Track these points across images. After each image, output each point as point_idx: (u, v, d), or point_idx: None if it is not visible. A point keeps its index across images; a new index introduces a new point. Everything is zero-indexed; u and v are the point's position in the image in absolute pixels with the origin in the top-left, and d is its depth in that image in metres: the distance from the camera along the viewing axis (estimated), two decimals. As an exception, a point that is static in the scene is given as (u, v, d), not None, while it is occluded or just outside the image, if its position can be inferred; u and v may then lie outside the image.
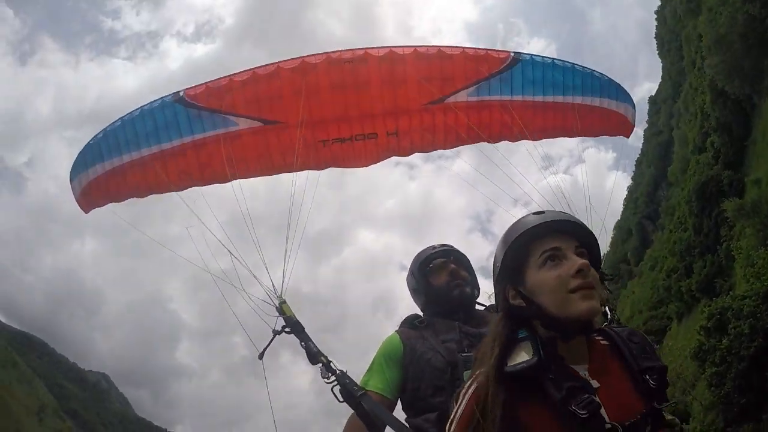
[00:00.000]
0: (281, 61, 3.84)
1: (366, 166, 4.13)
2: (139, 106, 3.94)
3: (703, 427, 25.13)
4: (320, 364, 2.53)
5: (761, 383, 21.69)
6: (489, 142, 4.01)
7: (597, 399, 1.24)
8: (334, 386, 2.41)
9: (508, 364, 1.31)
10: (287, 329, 2.73)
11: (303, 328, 2.71)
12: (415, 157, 4.18)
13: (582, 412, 1.20)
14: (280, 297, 2.90)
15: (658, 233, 66.27)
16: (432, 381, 2.25)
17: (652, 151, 78.48)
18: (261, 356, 2.73)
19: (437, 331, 2.44)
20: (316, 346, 2.62)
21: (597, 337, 1.42)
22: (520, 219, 1.45)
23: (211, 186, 4.07)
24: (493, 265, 1.47)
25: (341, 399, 2.36)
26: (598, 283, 1.35)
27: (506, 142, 4.15)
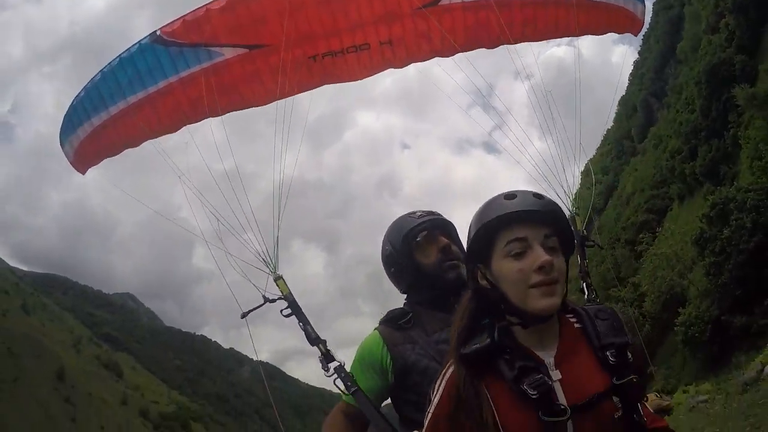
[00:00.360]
0: (258, -20, 3.59)
1: (361, 79, 3.94)
2: (117, 55, 3.78)
3: (698, 313, 26.27)
4: (320, 354, 2.32)
5: (758, 278, 22.53)
6: (487, 47, 3.77)
7: (550, 380, 1.29)
8: (336, 380, 2.18)
9: (465, 347, 1.38)
10: (285, 311, 2.47)
11: (300, 308, 2.46)
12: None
13: (532, 392, 1.25)
14: (275, 272, 2.62)
15: (663, 111, 65.29)
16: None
17: (661, 26, 75.11)
18: (244, 316, 2.52)
19: (427, 329, 2.10)
20: (314, 331, 2.39)
21: (571, 319, 1.45)
22: (491, 201, 1.43)
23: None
24: (466, 241, 1.47)
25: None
26: (563, 274, 1.37)
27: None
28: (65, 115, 4.06)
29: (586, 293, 2.39)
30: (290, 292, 2.49)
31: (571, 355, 1.36)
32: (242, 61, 3.74)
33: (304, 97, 3.89)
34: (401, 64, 3.84)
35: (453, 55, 3.78)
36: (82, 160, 4.19)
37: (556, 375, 1.32)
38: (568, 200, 3.16)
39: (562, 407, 1.26)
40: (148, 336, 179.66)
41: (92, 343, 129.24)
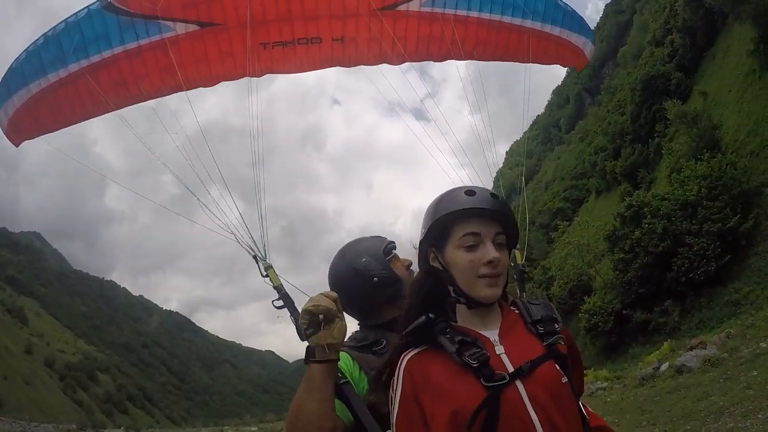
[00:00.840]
0: (218, -43, 3.47)
1: (306, 72, 3.89)
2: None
3: (602, 303, 28.46)
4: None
5: (660, 280, 24.62)
6: (435, 60, 3.84)
7: (495, 348, 1.46)
8: None
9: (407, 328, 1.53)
10: (277, 303, 2.27)
11: (293, 302, 2.27)
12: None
13: (473, 362, 1.40)
14: (265, 261, 2.51)
15: (594, 108, 68.55)
16: None
17: (608, 28, 78.14)
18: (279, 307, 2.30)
19: None
20: None
21: (512, 308, 1.63)
22: (452, 193, 1.57)
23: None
24: (422, 225, 1.61)
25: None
26: (505, 269, 1.55)
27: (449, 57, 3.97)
28: (2, 79, 3.75)
29: (520, 294, 2.59)
30: (281, 284, 2.34)
31: (511, 332, 1.53)
32: (192, 38, 3.62)
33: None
34: (349, 63, 3.86)
35: (400, 63, 3.83)
36: (16, 131, 3.90)
37: (500, 349, 1.47)
38: (491, 176, 3.29)
39: (503, 374, 1.39)
40: (54, 279, 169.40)
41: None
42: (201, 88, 3.80)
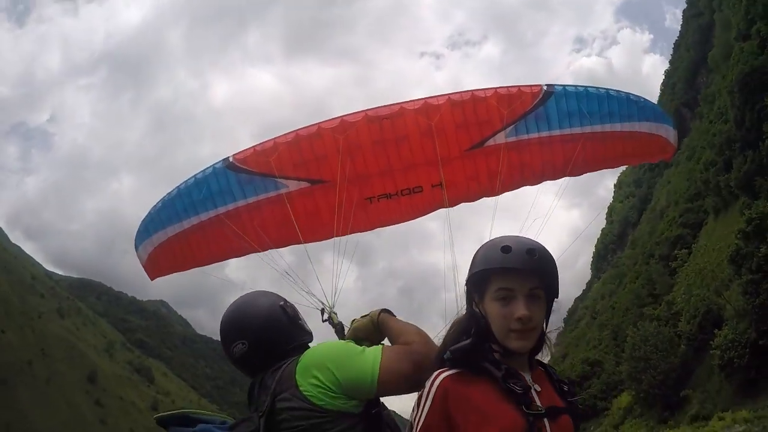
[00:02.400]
0: (322, 122, 3.97)
1: (413, 220, 4.19)
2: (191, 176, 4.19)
3: (735, 335, 25.17)
4: None
5: None
6: (531, 184, 3.99)
7: (528, 383, 1.57)
8: None
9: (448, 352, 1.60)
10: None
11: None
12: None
13: (518, 389, 1.51)
14: (332, 308, 3.14)
15: (696, 122, 63.68)
16: None
17: (691, 34, 73.49)
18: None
19: None
20: None
21: (537, 364, 1.75)
22: (492, 248, 1.64)
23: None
24: (468, 271, 1.70)
25: None
26: (538, 323, 1.62)
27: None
28: (142, 222, 4.49)
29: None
30: (341, 322, 2.92)
31: (541, 380, 1.66)
32: (303, 194, 4.06)
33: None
34: (451, 204, 4.10)
35: (500, 194, 4.00)
36: (153, 267, 4.58)
37: (535, 387, 1.60)
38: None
39: (539, 406, 1.53)
40: (180, 343, 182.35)
41: (125, 348, 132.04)
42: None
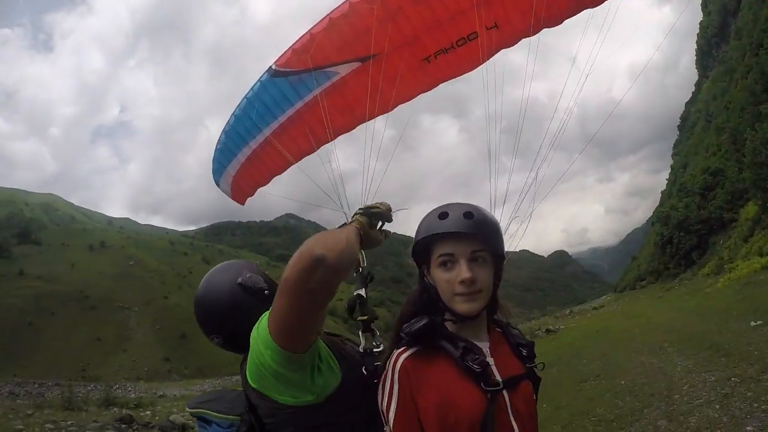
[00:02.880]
0: (349, -3, 3.57)
1: (475, 69, 3.73)
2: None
3: None
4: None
5: None
6: (592, 6, 3.30)
7: (487, 359, 1.57)
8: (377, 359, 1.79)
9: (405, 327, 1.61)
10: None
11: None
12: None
13: (476, 367, 1.51)
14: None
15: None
16: None
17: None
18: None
19: None
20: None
21: (495, 328, 1.75)
22: (429, 217, 1.66)
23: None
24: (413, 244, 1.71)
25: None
26: (486, 284, 1.59)
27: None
28: (213, 159, 4.51)
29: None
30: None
31: (498, 347, 1.66)
32: (358, 74, 3.80)
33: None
34: (513, 43, 3.63)
35: (561, 22, 3.48)
36: (239, 194, 4.68)
37: (491, 360, 1.60)
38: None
39: (498, 380, 1.54)
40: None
41: (270, 266, 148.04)
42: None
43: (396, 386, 1.53)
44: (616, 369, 10.92)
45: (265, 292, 1.92)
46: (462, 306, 1.56)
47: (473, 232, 1.57)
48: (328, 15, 3.67)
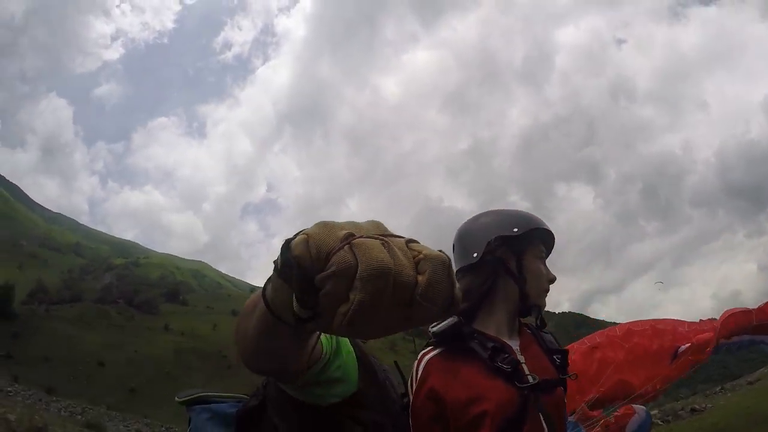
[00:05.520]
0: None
1: None
2: None
3: None
4: None
5: None
6: None
7: (517, 357, 1.51)
8: None
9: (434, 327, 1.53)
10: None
11: None
12: None
13: (506, 367, 1.47)
14: None
15: None
16: None
17: None
18: None
19: None
20: None
21: (524, 327, 1.70)
22: (519, 213, 1.68)
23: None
24: (503, 226, 1.61)
25: None
26: None
27: None
28: None
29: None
30: None
31: (530, 348, 1.59)
32: None
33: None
34: None
35: None
36: None
37: (521, 358, 1.53)
38: None
39: (530, 379, 1.47)
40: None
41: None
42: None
43: (415, 384, 1.48)
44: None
45: None
46: (545, 301, 1.66)
47: (553, 243, 1.72)
48: None
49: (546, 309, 1.71)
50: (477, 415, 1.39)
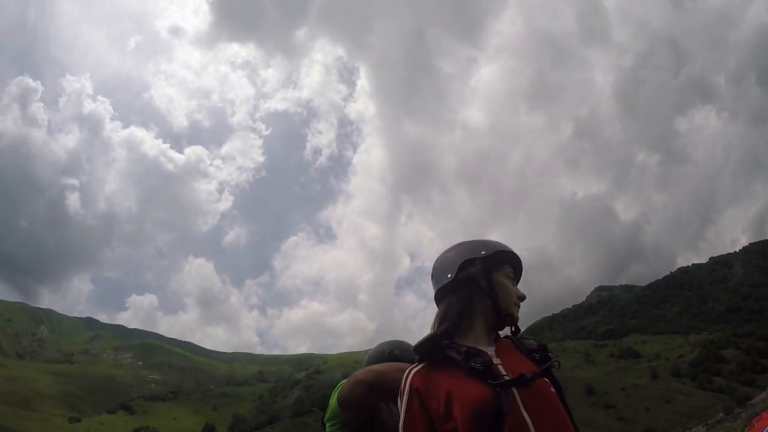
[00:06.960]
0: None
1: None
2: None
3: None
4: None
5: None
6: None
7: (491, 359, 1.59)
8: None
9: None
10: None
11: None
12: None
13: (479, 366, 1.55)
14: None
15: None
16: None
17: None
18: None
19: None
20: None
21: (504, 339, 1.76)
22: (486, 242, 1.80)
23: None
24: (475, 250, 1.76)
25: None
26: None
27: None
28: None
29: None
30: None
31: (505, 352, 1.67)
32: None
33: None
34: None
35: None
36: None
37: (497, 360, 1.61)
38: None
39: (505, 374, 1.55)
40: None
41: (598, 347, 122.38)
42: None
43: (405, 397, 1.59)
44: None
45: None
46: (516, 313, 1.74)
47: (521, 266, 1.82)
48: None
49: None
50: (454, 415, 1.50)
